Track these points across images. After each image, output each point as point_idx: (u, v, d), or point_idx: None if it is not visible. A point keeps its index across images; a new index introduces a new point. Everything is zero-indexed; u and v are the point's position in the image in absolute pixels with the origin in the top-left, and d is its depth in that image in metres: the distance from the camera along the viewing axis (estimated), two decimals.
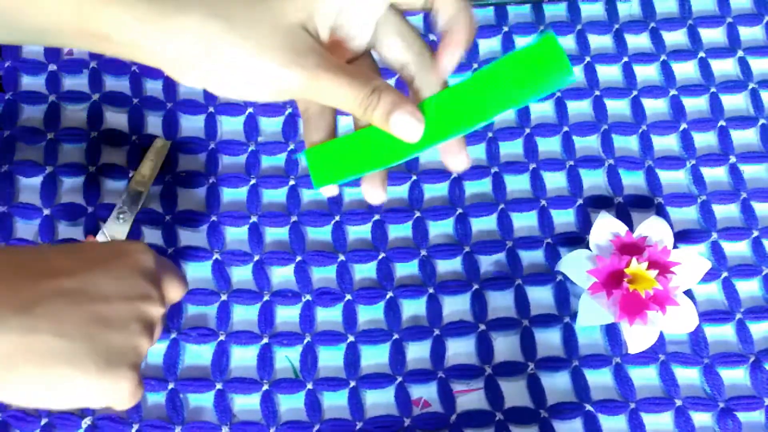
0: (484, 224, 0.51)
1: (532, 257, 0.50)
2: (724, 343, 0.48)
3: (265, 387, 0.46)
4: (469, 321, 0.48)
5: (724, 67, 0.57)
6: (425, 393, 0.47)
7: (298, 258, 0.49)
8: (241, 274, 0.49)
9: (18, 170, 0.51)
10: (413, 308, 0.49)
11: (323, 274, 0.50)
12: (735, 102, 0.55)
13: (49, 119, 0.52)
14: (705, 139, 0.54)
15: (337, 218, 0.51)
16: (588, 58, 0.56)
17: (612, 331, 0.48)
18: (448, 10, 0.34)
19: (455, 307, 0.49)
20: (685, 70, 0.56)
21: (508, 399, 0.46)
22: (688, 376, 0.47)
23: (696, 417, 0.46)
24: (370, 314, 0.48)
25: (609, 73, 0.56)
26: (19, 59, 0.54)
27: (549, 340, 0.48)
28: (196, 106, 0.53)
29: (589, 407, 0.46)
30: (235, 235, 0.50)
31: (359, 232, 0.51)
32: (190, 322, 0.48)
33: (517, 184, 0.52)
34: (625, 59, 0.56)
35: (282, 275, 0.49)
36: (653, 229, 0.48)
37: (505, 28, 0.57)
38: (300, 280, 0.49)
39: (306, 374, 0.47)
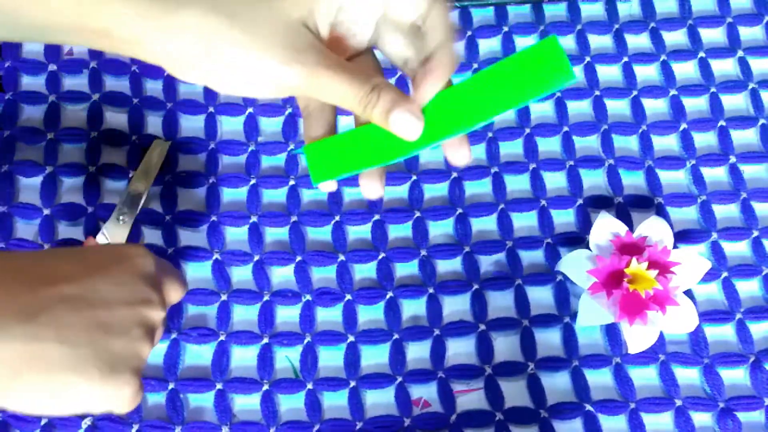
0: (484, 224, 0.51)
1: (532, 257, 0.50)
2: (724, 343, 0.48)
3: (266, 387, 0.46)
4: (469, 321, 0.48)
5: (724, 67, 0.57)
6: (425, 393, 0.47)
7: (298, 258, 0.49)
8: (241, 274, 0.49)
9: (18, 170, 0.51)
10: (413, 308, 0.49)
11: (323, 274, 0.50)
12: (735, 102, 0.55)
13: (49, 119, 0.52)
14: (705, 139, 0.54)
15: (337, 218, 0.51)
16: (588, 58, 0.56)
17: (612, 331, 0.48)
18: (437, 36, 0.34)
19: (455, 307, 0.49)
20: (685, 70, 0.56)
21: (508, 399, 0.46)
22: (688, 376, 0.47)
23: (696, 417, 0.46)
24: (370, 314, 0.48)
25: (609, 73, 0.56)
26: (19, 59, 0.54)
27: (549, 340, 0.48)
28: (196, 106, 0.53)
29: (589, 407, 0.46)
30: (235, 235, 0.50)
31: (359, 232, 0.51)
32: (191, 322, 0.48)
33: (517, 184, 0.52)
34: (625, 59, 0.56)
35: (282, 275, 0.49)
36: (653, 229, 0.48)
37: (505, 28, 0.57)
38: (300, 280, 0.49)
39: (306, 374, 0.47)
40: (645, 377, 0.47)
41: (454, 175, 0.52)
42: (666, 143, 0.54)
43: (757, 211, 0.52)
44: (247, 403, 0.46)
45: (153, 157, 0.50)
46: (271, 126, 0.54)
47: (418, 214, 0.51)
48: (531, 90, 0.32)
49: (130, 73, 0.54)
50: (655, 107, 0.55)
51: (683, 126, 0.54)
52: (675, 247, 0.48)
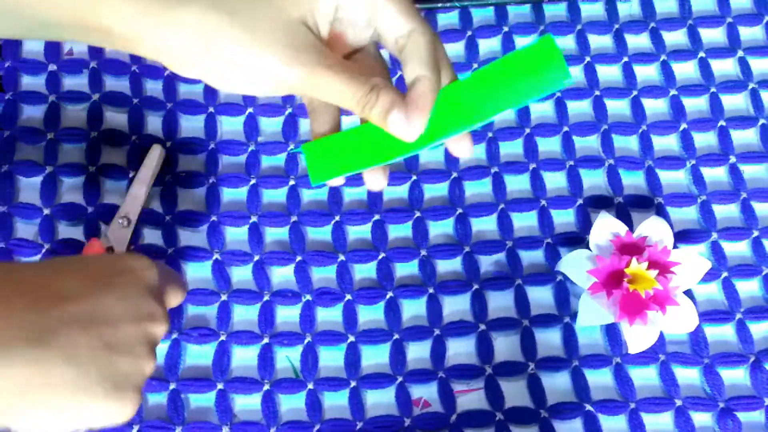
0: (484, 224, 0.51)
1: (532, 257, 0.50)
2: (724, 343, 0.48)
3: (266, 387, 0.46)
4: (469, 321, 0.48)
5: (724, 67, 0.57)
6: (425, 393, 0.47)
7: (298, 258, 0.49)
8: (241, 274, 0.49)
9: (18, 170, 0.51)
10: (413, 308, 0.49)
11: (323, 274, 0.50)
12: (735, 102, 0.55)
13: (49, 119, 0.52)
14: (705, 139, 0.54)
15: (337, 218, 0.51)
16: (588, 58, 0.56)
17: (612, 331, 0.48)
18: (415, 68, 0.33)
19: (455, 307, 0.49)
20: (685, 70, 0.56)
21: (508, 399, 0.46)
22: (688, 376, 0.47)
23: (696, 417, 0.46)
24: (370, 314, 0.49)
25: (609, 73, 0.56)
26: (19, 59, 0.54)
27: (549, 340, 0.48)
28: (196, 106, 0.53)
29: (589, 407, 0.46)
30: (235, 235, 0.50)
31: (359, 232, 0.51)
32: (191, 322, 0.48)
33: (517, 184, 0.52)
34: (625, 59, 0.56)
35: (282, 275, 0.49)
36: (653, 229, 0.48)
37: (505, 28, 0.57)
38: (300, 280, 0.49)
39: (307, 374, 0.47)
40: (645, 377, 0.47)
41: (454, 175, 0.52)
42: (666, 143, 0.54)
43: (757, 211, 0.52)
44: (247, 403, 0.46)
45: (150, 165, 0.50)
46: (271, 126, 0.54)
47: (418, 214, 0.51)
48: (528, 90, 0.32)
49: (130, 73, 0.54)
50: (655, 107, 0.55)
51: (683, 126, 0.54)
52: (675, 247, 0.48)
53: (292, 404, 0.46)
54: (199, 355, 0.47)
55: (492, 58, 0.56)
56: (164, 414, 0.45)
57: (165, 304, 0.36)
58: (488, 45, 0.57)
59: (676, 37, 0.57)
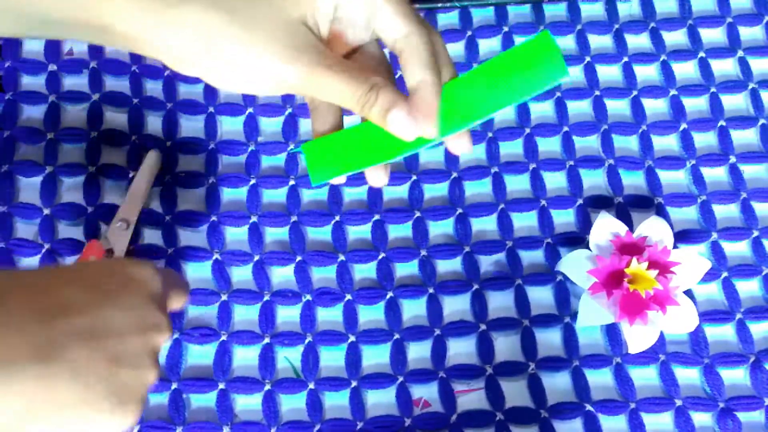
0: (484, 224, 0.51)
1: (532, 257, 0.50)
2: (724, 343, 0.49)
3: (267, 387, 0.46)
4: (469, 321, 0.48)
5: (724, 67, 0.57)
6: (426, 393, 0.47)
7: (298, 258, 0.49)
8: (241, 274, 0.49)
9: (18, 170, 0.51)
10: (413, 308, 0.49)
11: (323, 274, 0.50)
12: (735, 102, 0.55)
13: (49, 119, 0.52)
14: (705, 139, 0.54)
15: (337, 218, 0.51)
16: (588, 58, 0.56)
17: (612, 331, 0.48)
18: (416, 73, 0.33)
19: (455, 307, 0.49)
20: (685, 70, 0.56)
21: (508, 399, 0.46)
22: (688, 376, 0.48)
23: (696, 417, 0.46)
24: (370, 314, 0.49)
25: (609, 73, 0.56)
26: (19, 59, 0.54)
27: (549, 340, 0.48)
28: (196, 106, 0.53)
29: (589, 407, 0.46)
30: (235, 235, 0.50)
31: (359, 232, 0.51)
32: (192, 322, 0.48)
33: (517, 184, 0.52)
34: (625, 59, 0.56)
35: (282, 275, 0.49)
36: (653, 229, 0.48)
37: (505, 28, 0.57)
38: (300, 280, 0.49)
39: (307, 374, 0.47)
40: (645, 377, 0.47)
41: (454, 175, 0.52)
42: (666, 143, 0.54)
43: (757, 211, 0.52)
44: (248, 403, 0.46)
45: (147, 170, 0.50)
46: (271, 126, 0.54)
47: (418, 214, 0.51)
48: (526, 86, 0.32)
49: (130, 73, 0.54)
50: (655, 107, 0.55)
51: (683, 126, 0.54)
52: (675, 247, 0.48)
53: (292, 404, 0.46)
54: (200, 355, 0.47)
55: None
56: (165, 414, 0.45)
57: (168, 309, 0.35)
58: (488, 45, 0.57)
59: (676, 37, 0.58)
